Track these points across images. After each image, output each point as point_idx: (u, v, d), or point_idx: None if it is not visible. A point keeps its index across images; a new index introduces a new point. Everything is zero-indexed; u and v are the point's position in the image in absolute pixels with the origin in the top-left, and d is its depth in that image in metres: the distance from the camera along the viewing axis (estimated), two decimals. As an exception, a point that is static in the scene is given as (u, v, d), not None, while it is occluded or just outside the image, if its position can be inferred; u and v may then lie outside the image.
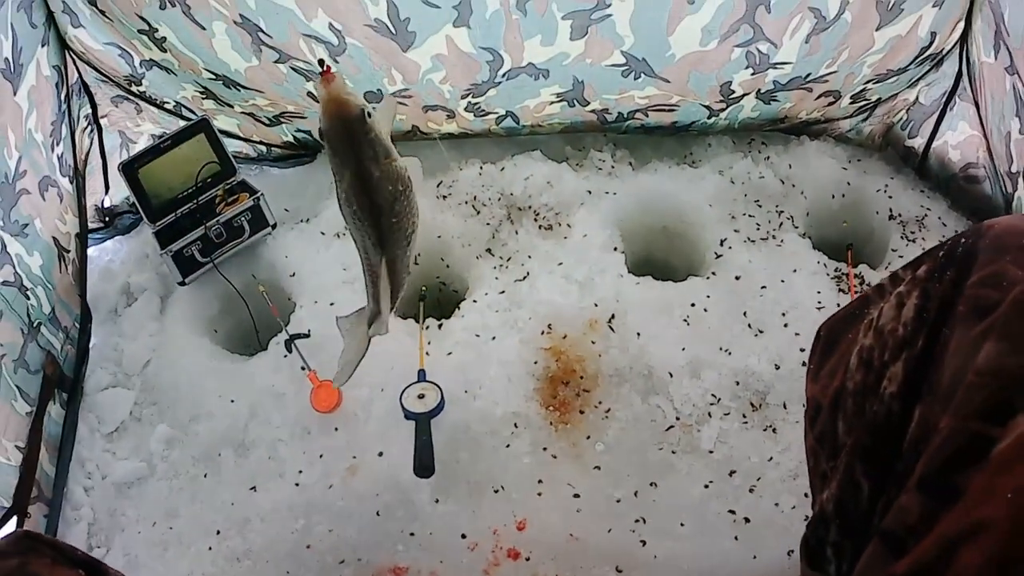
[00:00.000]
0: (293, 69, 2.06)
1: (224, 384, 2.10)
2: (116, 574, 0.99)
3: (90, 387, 2.16)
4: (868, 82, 2.14)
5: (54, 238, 2.08)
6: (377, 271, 1.42)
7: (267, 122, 2.39)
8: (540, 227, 2.28)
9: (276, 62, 2.04)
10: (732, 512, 1.79)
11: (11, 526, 1.74)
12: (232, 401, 2.07)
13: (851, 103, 2.26)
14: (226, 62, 2.07)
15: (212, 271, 2.24)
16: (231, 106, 2.32)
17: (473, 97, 2.15)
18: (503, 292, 2.15)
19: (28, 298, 1.91)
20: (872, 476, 0.88)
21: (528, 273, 2.16)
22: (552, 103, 2.18)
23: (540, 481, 1.87)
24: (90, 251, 2.34)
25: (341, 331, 1.71)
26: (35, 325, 1.94)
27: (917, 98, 2.22)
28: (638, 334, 2.02)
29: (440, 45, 1.93)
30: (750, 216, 2.24)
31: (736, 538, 1.76)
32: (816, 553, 0.99)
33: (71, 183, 2.19)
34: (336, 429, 1.98)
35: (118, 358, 2.21)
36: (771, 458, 1.85)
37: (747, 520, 1.78)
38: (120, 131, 2.40)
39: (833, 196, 2.33)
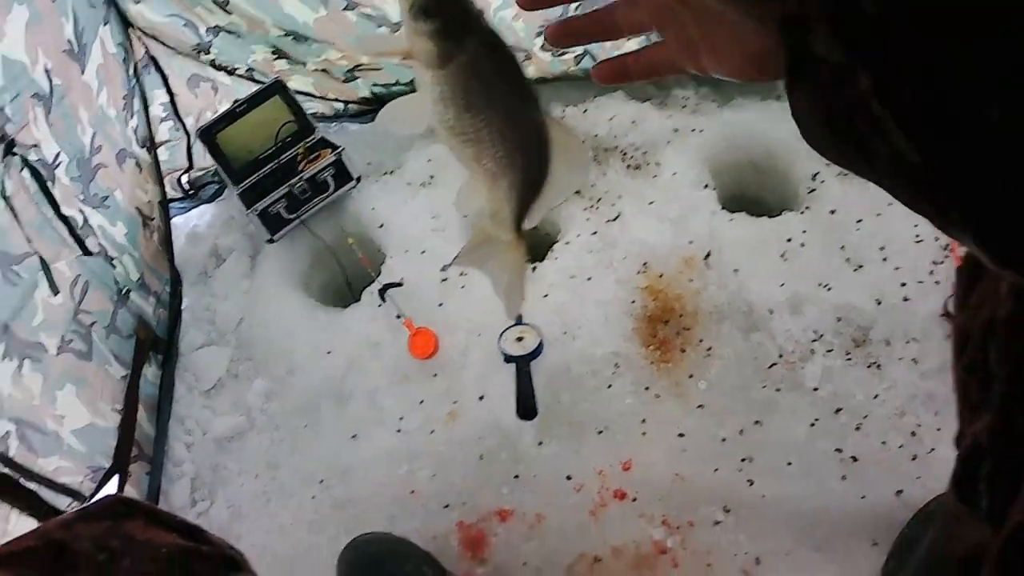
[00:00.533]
0: (363, 16, 2.04)
1: (319, 336, 2.10)
2: (215, 538, 0.95)
3: (185, 347, 2.17)
4: None
5: (136, 208, 2.09)
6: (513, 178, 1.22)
7: (342, 78, 2.37)
8: (628, 167, 2.25)
9: (344, 9, 2.02)
10: (839, 451, 1.77)
11: (113, 485, 1.76)
12: (328, 353, 2.07)
13: None
14: (293, 15, 2.06)
15: (300, 227, 2.24)
16: (304, 64, 2.30)
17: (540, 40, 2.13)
18: (595, 233, 2.12)
19: (114, 267, 1.93)
20: None
21: (620, 213, 2.13)
22: (630, 38, 2.12)
23: (643, 421, 1.85)
24: (176, 220, 2.36)
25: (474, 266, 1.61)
26: (124, 292, 1.95)
27: None
28: (735, 271, 1.99)
29: (511, -22, 1.89)
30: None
31: (844, 477, 1.74)
32: (968, 488, 0.96)
33: (149, 153, 2.20)
34: (435, 375, 1.97)
35: (211, 317, 2.22)
36: (876, 396, 1.82)
37: (854, 459, 1.76)
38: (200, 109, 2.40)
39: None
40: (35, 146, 1.67)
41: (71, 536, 0.79)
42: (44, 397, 1.59)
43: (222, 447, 2.02)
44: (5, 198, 1.54)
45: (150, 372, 2.02)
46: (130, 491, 1.83)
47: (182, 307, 2.23)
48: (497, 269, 0.88)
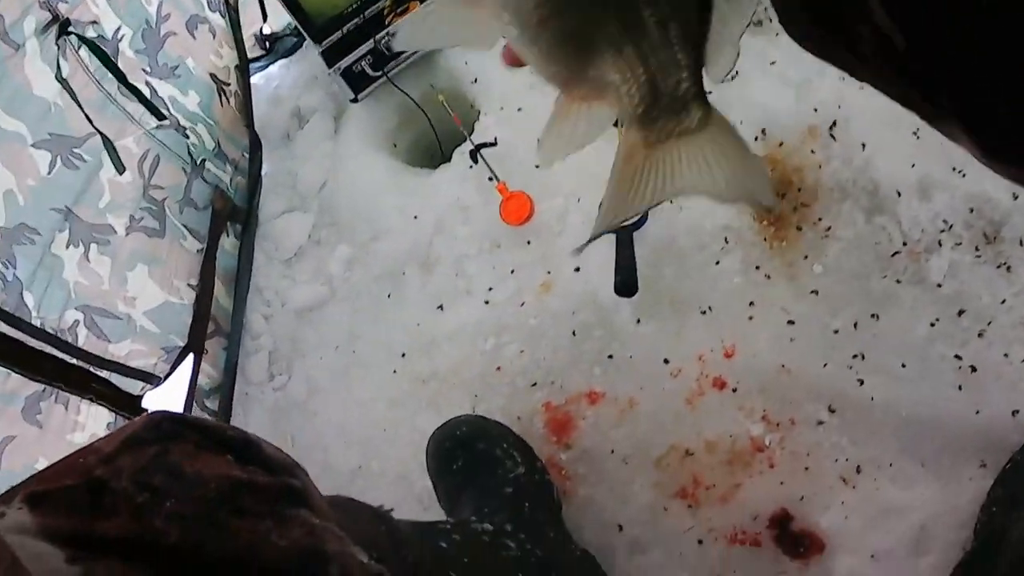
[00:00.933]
0: None
1: (405, 199, 2.00)
2: (273, 450, 0.87)
3: (265, 215, 2.09)
4: None
5: (211, 74, 1.97)
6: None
7: None
8: (748, 24, 2.02)
9: None
10: (958, 357, 1.64)
11: (188, 364, 1.71)
12: (415, 217, 1.97)
13: None
14: None
15: (386, 85, 2.10)
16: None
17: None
18: (710, 93, 1.92)
19: (187, 137, 1.83)
20: None
21: (737, 72, 1.94)
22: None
23: (751, 304, 1.74)
24: (254, 80, 2.23)
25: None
26: (199, 163, 1.86)
27: None
28: (863, 145, 1.81)
29: None
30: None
31: (960, 387, 1.62)
32: None
33: (223, 17, 2.06)
34: (528, 243, 1.87)
35: (292, 182, 2.13)
36: (1004, 300, 1.67)
37: (973, 369, 1.63)
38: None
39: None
40: (94, 22, 1.55)
41: (112, 472, 0.72)
42: (114, 280, 1.53)
43: (302, 318, 1.97)
44: (62, 80, 1.44)
45: (228, 243, 1.95)
46: (206, 368, 1.79)
47: (262, 173, 2.14)
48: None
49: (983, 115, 0.45)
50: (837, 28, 0.49)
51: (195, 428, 0.82)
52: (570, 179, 1.88)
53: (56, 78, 1.42)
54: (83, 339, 1.43)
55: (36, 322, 1.33)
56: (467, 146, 1.96)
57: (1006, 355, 1.64)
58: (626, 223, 1.74)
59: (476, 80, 2.11)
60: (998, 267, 1.69)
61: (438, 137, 2.11)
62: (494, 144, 1.94)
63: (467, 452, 1.61)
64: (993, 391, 1.62)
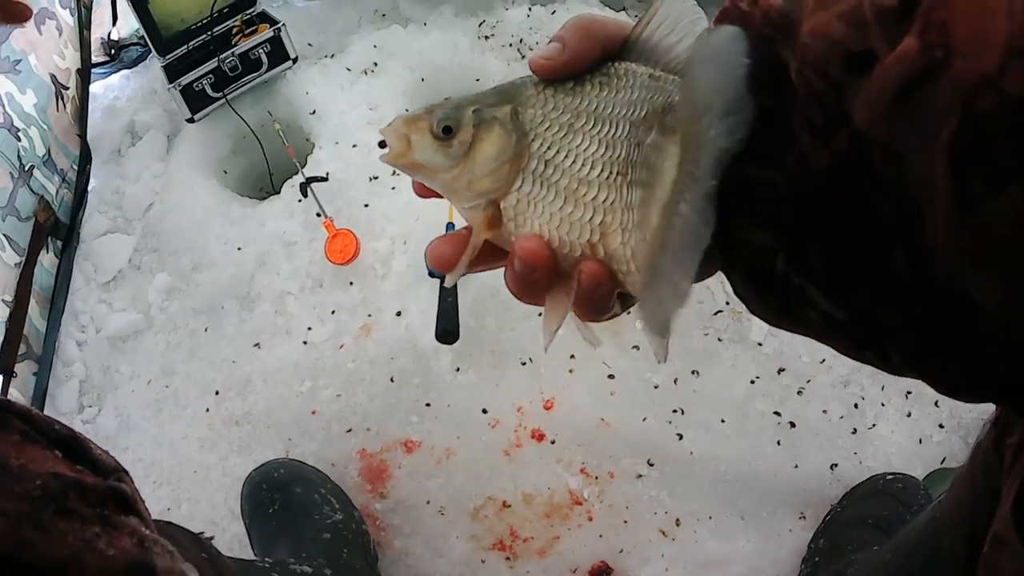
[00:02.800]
0: None
1: (231, 230, 1.94)
2: (100, 451, 0.80)
3: (87, 233, 2.00)
4: None
5: (52, 75, 1.89)
6: None
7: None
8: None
9: None
10: (777, 414, 1.66)
11: None
12: (239, 248, 1.90)
13: None
14: None
15: (224, 108, 2.05)
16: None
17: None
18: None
19: (19, 139, 1.74)
20: None
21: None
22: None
23: (572, 356, 1.72)
24: (94, 87, 2.14)
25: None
26: (27, 168, 1.77)
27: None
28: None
29: None
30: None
31: (779, 443, 1.64)
32: None
33: (72, 15, 1.98)
34: (351, 283, 1.82)
35: (118, 201, 2.05)
36: (823, 360, 1.70)
37: (792, 424, 1.65)
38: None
39: None
40: None
41: None
42: None
43: (116, 347, 1.87)
44: None
45: (47, 260, 1.85)
46: (15, 394, 1.68)
47: (88, 188, 2.05)
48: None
49: (932, 368, 0.49)
50: (789, 314, 0.53)
51: (22, 417, 0.74)
52: (398, 222, 1.85)
53: None
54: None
55: None
56: (298, 178, 1.92)
57: (824, 411, 1.66)
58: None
59: (314, 112, 2.08)
60: (817, 326, 1.71)
61: (270, 168, 2.07)
62: (325, 179, 1.91)
63: (284, 496, 1.55)
64: (811, 446, 1.64)
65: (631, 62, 0.60)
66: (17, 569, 0.62)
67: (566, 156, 0.59)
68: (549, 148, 0.59)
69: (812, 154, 0.46)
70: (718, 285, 1.75)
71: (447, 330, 1.62)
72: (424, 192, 0.67)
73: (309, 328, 1.78)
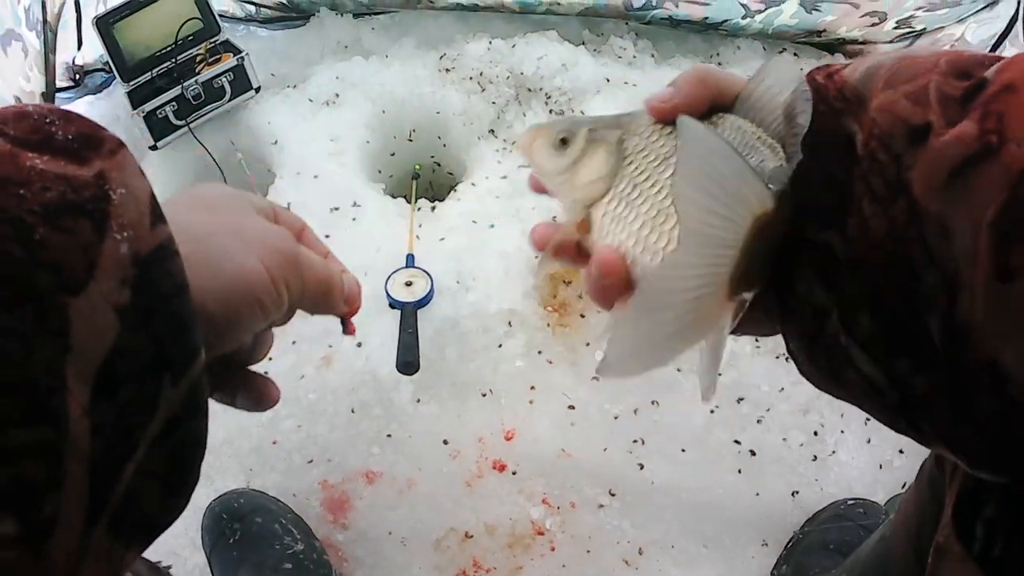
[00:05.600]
0: None
1: (189, 261, 1.90)
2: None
3: None
4: (917, 9, 2.01)
5: (16, 97, 1.88)
6: None
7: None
8: (551, 111, 2.10)
9: None
10: (737, 442, 1.67)
11: None
12: (196, 277, 1.87)
13: (895, 28, 2.12)
14: None
15: (186, 136, 2.04)
16: (221, -46, 2.11)
17: (492, -41, 1.96)
18: (505, 177, 1.97)
19: None
20: None
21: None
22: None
23: (533, 388, 1.72)
24: None
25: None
26: None
27: (963, 35, 2.10)
28: (653, 240, 1.84)
29: None
30: (776, 125, 2.07)
31: (739, 471, 1.65)
32: (965, 526, 0.87)
33: (39, 38, 1.98)
34: (311, 314, 1.79)
35: None
36: (782, 389, 1.72)
37: (752, 453, 1.66)
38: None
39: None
40: None
41: None
42: None
43: None
44: None
45: None
46: None
47: None
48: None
49: (959, 439, 0.51)
50: (834, 376, 0.57)
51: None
52: (359, 253, 1.84)
53: None
54: None
55: None
56: None
57: (784, 439, 1.67)
58: (411, 302, 1.72)
59: (276, 142, 2.09)
60: (777, 357, 1.74)
61: None
62: (286, 208, 1.88)
63: (244, 526, 1.55)
64: (772, 473, 1.65)
65: (740, 116, 0.65)
66: None
67: (653, 184, 0.64)
68: (641, 174, 0.65)
69: (872, 221, 0.51)
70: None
71: (408, 361, 1.62)
72: (537, 187, 0.76)
73: (269, 358, 1.75)
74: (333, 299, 0.72)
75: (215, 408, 1.56)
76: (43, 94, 2.03)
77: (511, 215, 1.91)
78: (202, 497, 1.61)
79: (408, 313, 1.70)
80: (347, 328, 0.83)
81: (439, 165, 2.19)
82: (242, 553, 1.52)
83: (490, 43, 2.24)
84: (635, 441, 1.67)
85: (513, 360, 1.74)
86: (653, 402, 1.70)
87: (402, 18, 2.33)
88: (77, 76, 2.26)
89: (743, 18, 2.14)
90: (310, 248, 0.70)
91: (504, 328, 1.76)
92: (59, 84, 2.16)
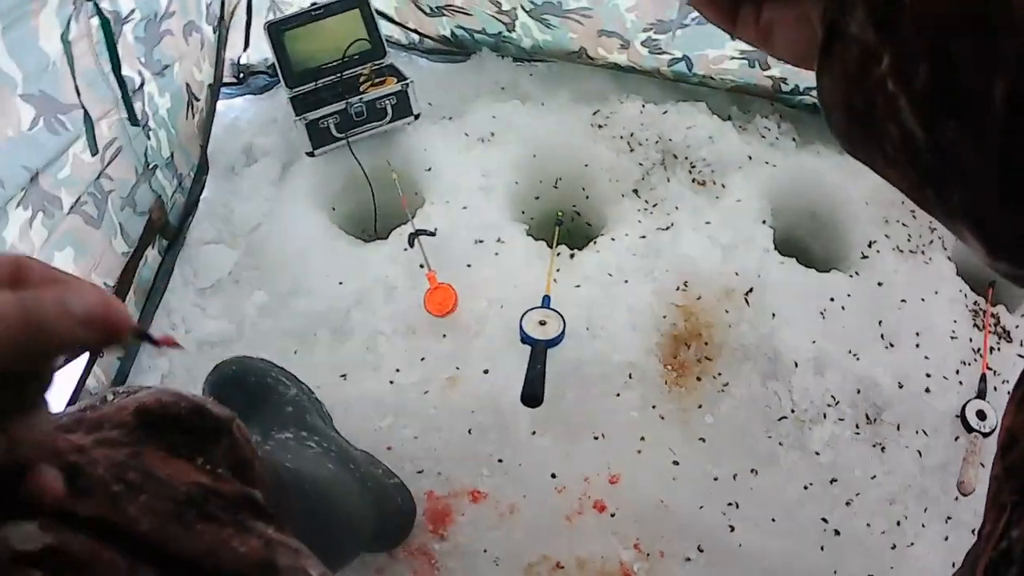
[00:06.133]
0: None
1: (334, 264, 2.02)
2: (216, 409, 0.93)
3: (192, 239, 2.07)
4: None
5: (187, 84, 2.00)
6: None
7: (428, 11, 2.30)
8: (694, 180, 2.19)
9: None
10: (825, 520, 1.75)
11: (82, 362, 1.66)
12: (340, 283, 1.99)
13: None
14: None
15: (341, 149, 2.14)
16: (394, -16, 2.22)
17: (655, 33, 2.06)
18: (644, 237, 2.06)
19: (149, 138, 1.83)
20: None
21: (673, 224, 2.08)
22: (733, 59, 2.10)
23: (642, 439, 1.81)
24: (218, 105, 2.23)
25: None
26: (151, 167, 1.86)
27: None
28: (773, 315, 1.94)
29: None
30: (903, 224, 2.15)
31: (822, 548, 1.72)
32: None
33: (214, 32, 2.10)
34: (444, 335, 1.90)
35: (227, 216, 2.13)
36: (874, 476, 1.80)
37: (837, 533, 1.74)
38: (273, -1, 2.32)
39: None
40: None
41: (87, 461, 0.73)
42: (43, 253, 1.49)
43: (203, 351, 1.93)
44: (66, 42, 1.44)
45: (151, 256, 1.93)
46: (98, 372, 1.75)
47: (201, 197, 2.13)
48: None
49: (990, 215, 0.50)
50: (870, 125, 0.54)
51: (167, 428, 0.84)
52: (497, 286, 1.94)
53: (61, 38, 1.42)
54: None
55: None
56: (407, 228, 2.01)
57: (868, 525, 1.75)
58: (544, 340, 1.81)
59: (430, 169, 2.18)
60: (874, 446, 1.82)
61: (376, 213, 2.15)
62: (433, 233, 1.99)
63: (241, 387, 1.65)
64: (852, 555, 1.72)
65: None
66: (162, 557, 0.70)
67: None
68: None
69: None
70: (785, 392, 1.85)
71: (533, 395, 1.70)
72: None
73: (397, 370, 1.86)
74: (49, 334, 0.52)
75: (337, 408, 1.66)
76: (210, 85, 2.14)
77: (644, 274, 1.99)
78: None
79: (539, 350, 1.79)
80: (153, 341, 0.64)
81: (579, 215, 2.27)
82: (247, 411, 1.59)
83: (643, 107, 2.32)
84: (730, 504, 1.75)
85: (628, 410, 1.83)
86: (752, 470, 1.78)
87: (560, 69, 2.41)
88: (241, 75, 2.39)
89: None
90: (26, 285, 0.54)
91: (624, 379, 1.85)
92: (225, 80, 2.28)
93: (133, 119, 1.72)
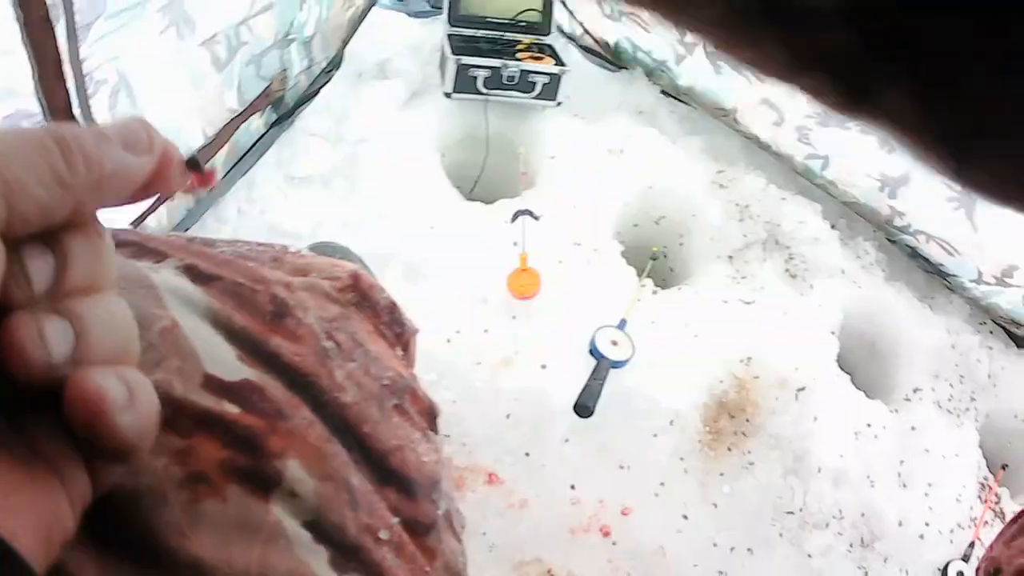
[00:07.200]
0: None
1: (429, 209, 2.04)
2: (407, 318, 0.86)
3: (300, 125, 2.08)
4: None
5: None
6: None
7: (607, 12, 2.33)
8: (787, 271, 2.25)
9: None
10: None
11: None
12: (431, 227, 2.00)
13: None
14: None
15: (476, 103, 2.17)
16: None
17: (815, 123, 2.12)
18: (726, 303, 2.12)
19: (300, 9, 1.84)
20: None
21: (755, 302, 2.14)
22: (868, 176, 2.17)
23: (663, 484, 1.85)
24: (373, 11, 2.25)
25: None
26: (289, 38, 1.86)
27: None
28: (815, 418, 2.00)
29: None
30: (949, 384, 2.25)
31: (788, 644, 1.78)
32: None
33: None
34: (514, 317, 1.93)
35: (341, 117, 2.13)
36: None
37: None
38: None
39: (1015, 416, 2.34)
40: None
41: (295, 301, 0.65)
42: (162, 72, 1.48)
43: (270, 234, 1.91)
44: None
45: (256, 123, 1.93)
46: (164, 212, 1.73)
47: (323, 89, 2.13)
48: None
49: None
50: None
51: (374, 308, 0.82)
52: (581, 292, 1.98)
53: None
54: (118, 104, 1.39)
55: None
56: (514, 204, 2.04)
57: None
58: (611, 359, 1.84)
59: (554, 157, 2.21)
60: (859, 568, 1.91)
61: (480, 176, 2.18)
62: (537, 218, 2.02)
63: None
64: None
65: None
66: (355, 439, 0.65)
67: None
68: None
69: None
70: (801, 491, 1.91)
71: (586, 405, 1.75)
72: None
73: (457, 331, 1.88)
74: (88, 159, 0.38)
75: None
76: None
77: (716, 335, 2.04)
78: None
79: (603, 366, 1.84)
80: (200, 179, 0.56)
81: (665, 257, 2.31)
82: None
83: (766, 185, 2.37)
84: (720, 573, 1.80)
85: (659, 453, 1.88)
86: (749, 549, 1.84)
87: (700, 117, 2.45)
88: (405, -9, 2.37)
89: (971, 281, 2.29)
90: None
91: (666, 424, 1.90)
92: None
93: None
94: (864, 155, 2.10)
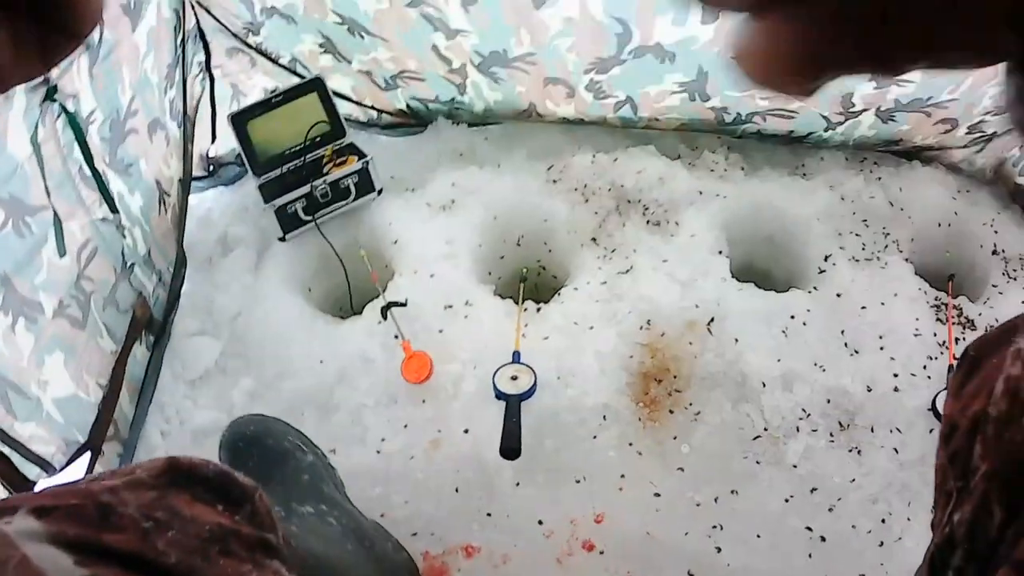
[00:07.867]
0: (423, 16, 2.03)
1: (314, 344, 2.10)
2: (242, 479, 1.05)
3: (177, 333, 2.15)
4: (987, 114, 2.11)
5: (157, 181, 2.06)
6: None
7: (383, 85, 2.38)
8: (648, 222, 2.26)
9: (408, 5, 2.01)
10: (809, 529, 1.79)
11: (84, 463, 1.73)
12: (321, 362, 2.06)
13: (967, 133, 2.22)
14: (356, 2, 2.05)
15: (311, 231, 2.24)
16: (349, 62, 2.30)
17: (596, 73, 2.12)
18: (605, 283, 2.14)
19: (124, 237, 1.89)
20: (1006, 505, 0.87)
21: (632, 267, 2.15)
22: (673, 93, 2.16)
23: (623, 476, 1.87)
24: (190, 199, 2.32)
25: None
26: (129, 265, 1.92)
27: (1032, 135, 2.18)
28: (736, 340, 2.00)
29: (573, 7, 1.91)
30: (856, 235, 2.22)
31: (810, 555, 1.76)
32: (938, 574, 1.00)
33: (179, 128, 2.17)
34: (423, 401, 1.98)
35: (208, 307, 2.21)
36: (853, 480, 1.84)
37: (823, 539, 1.78)
38: (232, 83, 2.41)
39: (939, 224, 2.30)
40: (74, 96, 1.62)
41: (117, 501, 0.84)
42: (32, 360, 1.54)
43: (198, 440, 2.00)
44: (35, 144, 1.50)
45: (139, 352, 2.00)
46: (99, 469, 1.79)
47: (182, 291, 2.22)
48: None
49: None
50: None
51: (190, 479, 0.97)
52: (469, 348, 2.02)
53: (31, 140, 1.47)
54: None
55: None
56: (379, 302, 2.09)
57: (854, 527, 1.79)
58: (516, 394, 1.89)
59: (396, 242, 2.26)
60: (850, 451, 1.87)
61: (351, 290, 2.23)
62: (404, 304, 2.08)
63: (260, 449, 1.71)
64: (840, 558, 1.76)
65: None
66: None
67: None
68: None
69: None
70: (757, 412, 1.91)
71: (511, 447, 1.78)
72: None
73: (383, 439, 1.94)
74: None
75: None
76: (180, 180, 2.22)
77: (608, 318, 2.07)
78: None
79: (513, 404, 1.87)
80: None
81: (544, 269, 2.35)
82: (262, 475, 1.62)
83: (594, 157, 2.39)
84: (714, 527, 1.81)
85: (606, 450, 1.90)
86: (733, 491, 1.84)
87: (514, 129, 2.48)
88: (211, 167, 2.48)
89: (825, 130, 2.27)
90: None
91: (599, 421, 1.92)
92: (195, 173, 2.36)
93: (112, 207, 1.79)
94: (656, 76, 2.10)
